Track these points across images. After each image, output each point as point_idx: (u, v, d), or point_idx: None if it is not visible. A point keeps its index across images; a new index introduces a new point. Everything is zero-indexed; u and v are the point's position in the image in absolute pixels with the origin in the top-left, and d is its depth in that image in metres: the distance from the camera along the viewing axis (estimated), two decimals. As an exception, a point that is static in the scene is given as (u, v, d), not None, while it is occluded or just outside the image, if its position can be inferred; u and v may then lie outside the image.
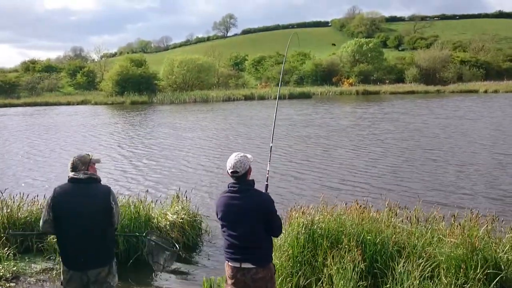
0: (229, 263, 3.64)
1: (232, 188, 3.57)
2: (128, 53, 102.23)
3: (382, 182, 11.16)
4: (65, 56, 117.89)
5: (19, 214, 7.06)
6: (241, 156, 3.59)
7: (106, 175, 12.90)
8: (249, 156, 3.65)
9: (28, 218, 7.02)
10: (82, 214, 3.53)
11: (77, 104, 50.99)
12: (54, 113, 38.60)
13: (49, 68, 79.40)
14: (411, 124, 23.35)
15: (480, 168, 12.44)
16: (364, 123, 24.01)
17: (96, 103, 51.09)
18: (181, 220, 7.10)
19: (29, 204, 7.42)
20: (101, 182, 3.80)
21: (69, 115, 36.46)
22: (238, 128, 23.49)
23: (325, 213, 6.38)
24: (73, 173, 3.66)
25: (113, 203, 3.69)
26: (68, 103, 51.85)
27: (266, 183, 4.20)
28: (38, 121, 31.64)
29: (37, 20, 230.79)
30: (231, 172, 3.55)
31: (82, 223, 3.54)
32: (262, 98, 52.14)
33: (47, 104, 51.55)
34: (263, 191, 3.92)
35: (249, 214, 3.49)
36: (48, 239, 6.54)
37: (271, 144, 4.77)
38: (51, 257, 6.41)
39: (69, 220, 3.55)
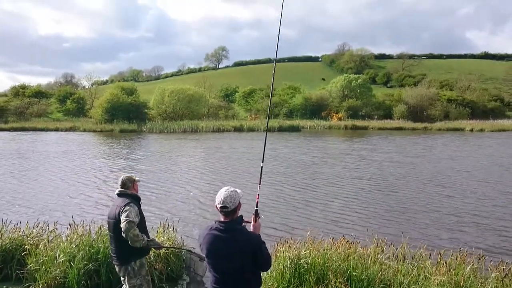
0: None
1: (218, 227, 3.46)
2: (119, 81, 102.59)
3: (370, 217, 11.14)
4: (56, 82, 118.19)
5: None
6: (231, 191, 3.50)
7: (92, 204, 12.77)
8: (239, 191, 3.56)
9: (8, 246, 6.86)
10: (109, 218, 4.94)
11: (66, 131, 50.61)
12: (35, 139, 38.23)
13: (39, 93, 79.31)
14: (404, 160, 23.51)
15: (467, 206, 12.51)
16: (353, 156, 24.17)
17: (84, 130, 50.80)
18: (165, 251, 6.98)
19: (10, 231, 7.27)
20: (135, 198, 4.96)
21: (52, 142, 36.12)
22: (227, 160, 23.43)
23: (312, 248, 6.34)
24: (121, 189, 4.96)
25: (122, 215, 4.65)
26: (57, 129, 51.46)
27: (255, 208, 3.97)
28: (15, 146, 31.31)
29: (30, 45, 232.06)
30: (220, 207, 3.44)
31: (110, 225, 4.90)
32: (251, 129, 52.36)
33: (35, 129, 51.12)
34: (253, 216, 3.84)
35: (236, 254, 3.39)
36: (28, 267, 6.38)
37: (261, 164, 4.53)
38: (30, 286, 6.24)
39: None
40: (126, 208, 4.69)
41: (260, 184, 4.35)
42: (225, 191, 3.49)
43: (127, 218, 4.59)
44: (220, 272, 3.47)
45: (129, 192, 4.95)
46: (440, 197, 13.69)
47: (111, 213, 4.85)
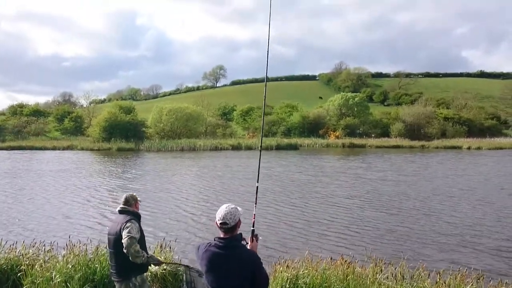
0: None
1: (218, 243, 3.46)
2: (117, 99, 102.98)
3: (367, 236, 11.09)
4: (54, 101, 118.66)
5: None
6: (231, 208, 3.51)
7: (87, 224, 12.69)
8: (239, 208, 3.57)
9: (4, 266, 6.79)
10: (109, 235, 4.90)
11: (63, 149, 50.54)
12: (31, 157, 38.16)
13: (37, 112, 79.59)
14: (399, 179, 23.50)
15: (465, 225, 12.48)
16: (349, 174, 24.16)
17: (82, 149, 50.72)
18: (163, 271, 6.92)
19: (6, 251, 7.21)
20: (136, 215, 4.98)
21: (48, 160, 36.06)
22: (224, 178, 23.39)
23: (310, 268, 6.30)
24: (123, 206, 4.99)
25: (123, 231, 4.64)
26: (54, 148, 51.39)
27: (252, 228, 3.96)
28: (10, 165, 31.23)
29: (29, 65, 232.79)
30: (221, 224, 3.45)
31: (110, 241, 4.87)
32: (249, 148, 52.41)
33: (32, 148, 51.10)
34: (250, 236, 3.84)
35: (235, 272, 3.39)
36: (24, 288, 6.32)
37: (257, 184, 4.53)
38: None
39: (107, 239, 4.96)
40: (128, 224, 4.70)
41: (256, 204, 4.34)
42: (226, 208, 3.50)
43: (128, 234, 4.60)
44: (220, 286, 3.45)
45: (130, 209, 4.98)
46: (435, 216, 13.65)
47: (112, 230, 4.85)
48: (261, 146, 5.46)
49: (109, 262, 5.00)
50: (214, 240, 3.52)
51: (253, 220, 4.12)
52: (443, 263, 8.62)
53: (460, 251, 9.78)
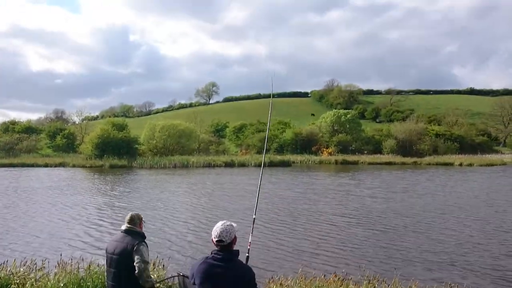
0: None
1: (216, 256, 3.53)
2: (110, 116, 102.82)
3: (358, 253, 11.09)
4: (46, 118, 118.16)
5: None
6: (227, 225, 3.59)
7: (75, 241, 12.58)
8: (234, 225, 3.66)
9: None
10: (113, 254, 4.73)
11: (55, 166, 50.23)
12: (20, 175, 37.85)
13: (29, 129, 79.09)
14: (388, 196, 23.58)
15: (453, 243, 12.52)
16: (340, 191, 24.19)
17: (74, 166, 50.40)
18: (155, 290, 6.88)
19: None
20: (143, 236, 4.87)
21: (37, 177, 35.79)
22: (218, 196, 23.29)
23: (304, 285, 6.30)
24: (128, 225, 4.85)
25: (135, 254, 4.58)
26: (46, 165, 51.07)
27: (247, 254, 4.10)
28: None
29: (21, 81, 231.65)
30: (217, 241, 3.54)
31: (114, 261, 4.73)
32: (242, 165, 52.41)
33: (23, 165, 50.73)
34: (244, 262, 3.89)
35: (230, 284, 3.44)
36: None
37: (254, 216, 4.75)
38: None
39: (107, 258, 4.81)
40: (141, 247, 4.64)
41: (252, 233, 4.49)
42: (221, 225, 3.59)
43: (143, 258, 4.58)
44: None
45: (138, 229, 4.90)
46: (424, 233, 13.70)
47: (118, 249, 4.70)
48: (261, 177, 5.54)
49: (107, 281, 4.88)
50: (211, 253, 3.58)
51: (248, 247, 4.38)
52: (433, 281, 8.62)
53: (448, 269, 9.76)
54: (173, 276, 5.59)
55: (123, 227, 4.86)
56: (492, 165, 54.85)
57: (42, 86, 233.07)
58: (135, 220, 4.90)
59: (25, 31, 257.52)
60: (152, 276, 4.82)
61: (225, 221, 3.68)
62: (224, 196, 23.18)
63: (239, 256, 3.64)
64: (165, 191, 25.61)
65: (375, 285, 6.41)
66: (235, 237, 3.63)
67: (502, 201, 20.89)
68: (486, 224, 15.18)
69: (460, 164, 55.72)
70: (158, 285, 6.80)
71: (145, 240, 4.91)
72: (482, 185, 29.67)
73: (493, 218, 16.35)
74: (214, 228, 3.60)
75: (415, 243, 12.17)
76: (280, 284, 6.25)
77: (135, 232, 4.84)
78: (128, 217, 4.93)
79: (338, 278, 6.48)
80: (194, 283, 3.60)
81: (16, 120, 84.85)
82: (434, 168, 50.40)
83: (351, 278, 6.74)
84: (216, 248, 3.57)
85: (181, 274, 4.90)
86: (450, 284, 6.49)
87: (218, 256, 3.51)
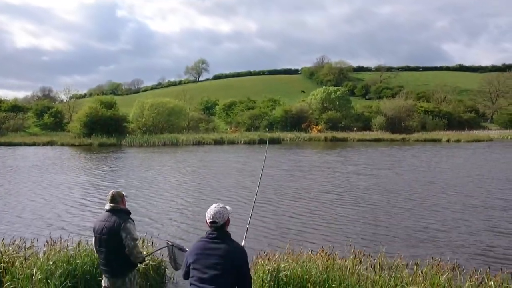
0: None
1: (211, 235, 3.70)
2: (98, 94, 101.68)
3: (349, 228, 11.25)
4: (33, 96, 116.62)
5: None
6: (221, 207, 3.79)
7: (69, 219, 12.59)
8: (228, 208, 3.85)
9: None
10: (102, 234, 4.76)
11: (43, 145, 49.65)
12: (6, 154, 37.51)
13: (16, 107, 77.95)
14: (376, 174, 23.80)
15: (439, 217, 12.74)
16: (325, 168, 24.38)
17: (62, 144, 49.98)
18: (144, 266, 6.95)
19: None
20: (128, 213, 4.92)
21: (23, 156, 35.48)
22: (203, 174, 23.26)
23: (291, 260, 6.40)
24: (111, 204, 4.85)
25: (123, 232, 4.65)
26: (34, 144, 50.53)
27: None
28: None
29: (6, 58, 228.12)
30: (210, 222, 3.72)
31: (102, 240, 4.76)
32: (232, 142, 52.36)
33: (10, 144, 50.14)
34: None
35: (224, 260, 3.56)
36: (4, 285, 6.27)
37: (247, 225, 5.25)
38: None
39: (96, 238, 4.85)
40: (128, 225, 4.70)
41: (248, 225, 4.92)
42: (215, 207, 3.79)
43: (131, 235, 4.67)
44: (203, 280, 3.58)
45: (121, 207, 4.91)
46: (408, 209, 13.90)
47: (105, 229, 4.72)
48: (261, 176, 5.57)
49: (100, 261, 4.93)
50: (206, 233, 3.76)
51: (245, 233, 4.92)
52: (418, 256, 8.79)
53: (430, 246, 9.87)
54: (163, 247, 5.62)
55: (107, 207, 4.88)
56: (479, 141, 55.56)
57: (28, 63, 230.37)
58: (117, 198, 4.91)
59: (11, 6, 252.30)
60: (142, 252, 4.90)
61: (218, 203, 3.86)
62: (209, 174, 23.17)
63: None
64: (151, 169, 25.45)
65: (361, 259, 6.52)
66: (228, 219, 3.81)
67: (487, 178, 21.17)
68: (470, 199, 15.39)
69: (448, 140, 56.32)
70: (148, 259, 6.88)
71: (131, 216, 4.96)
72: (467, 160, 30.03)
73: (477, 193, 16.57)
74: (208, 210, 3.78)
75: (399, 219, 12.34)
76: (268, 259, 6.34)
77: (119, 209, 4.87)
78: (109, 196, 4.93)
79: (325, 253, 6.58)
80: (188, 265, 3.72)
81: (2, 99, 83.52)
82: (421, 144, 50.87)
83: (337, 253, 6.86)
84: (210, 229, 3.74)
85: (170, 243, 4.96)
86: (433, 258, 6.62)
87: (213, 235, 3.69)
